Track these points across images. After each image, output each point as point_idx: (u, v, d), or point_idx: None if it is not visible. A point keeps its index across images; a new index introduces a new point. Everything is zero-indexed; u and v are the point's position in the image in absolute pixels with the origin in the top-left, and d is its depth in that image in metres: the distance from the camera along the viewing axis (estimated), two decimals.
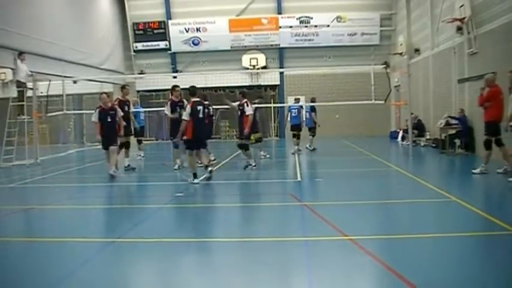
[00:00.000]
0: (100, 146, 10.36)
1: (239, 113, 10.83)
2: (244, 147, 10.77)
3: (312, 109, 15.25)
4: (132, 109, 11.64)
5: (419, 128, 16.54)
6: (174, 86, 10.82)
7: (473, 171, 9.28)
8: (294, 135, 14.75)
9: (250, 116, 10.62)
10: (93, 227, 6.26)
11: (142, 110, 15.87)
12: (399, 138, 18.19)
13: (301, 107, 15.15)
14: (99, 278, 4.09)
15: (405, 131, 16.95)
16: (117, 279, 4.12)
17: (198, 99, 9.05)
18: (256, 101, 13.58)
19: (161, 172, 10.43)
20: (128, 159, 11.33)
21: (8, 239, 5.56)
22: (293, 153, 14.09)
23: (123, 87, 11.72)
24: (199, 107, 8.89)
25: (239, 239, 5.28)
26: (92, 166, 11.58)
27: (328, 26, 22.43)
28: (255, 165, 10.70)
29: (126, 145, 11.15)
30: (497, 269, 4.04)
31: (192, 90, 9.13)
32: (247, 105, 10.71)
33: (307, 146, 15.59)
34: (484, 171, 9.09)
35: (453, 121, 13.36)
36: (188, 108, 8.83)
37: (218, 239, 5.30)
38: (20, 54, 12.68)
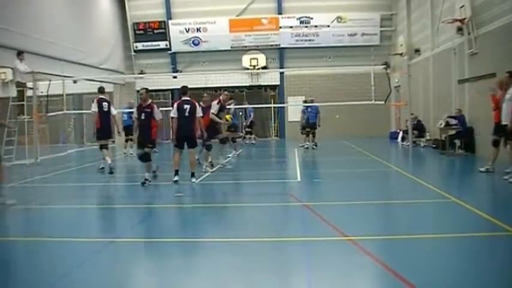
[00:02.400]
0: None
1: (143, 116, 8.96)
2: (147, 158, 9.05)
3: (318, 110, 16.27)
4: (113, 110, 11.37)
5: (419, 128, 16.53)
6: (224, 91, 11.11)
7: (480, 169, 9.29)
8: (308, 133, 16.11)
9: (160, 122, 9.22)
10: (92, 227, 6.27)
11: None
12: (399, 139, 18.17)
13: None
14: (98, 278, 4.09)
15: (405, 132, 16.96)
16: (116, 279, 4.12)
17: (187, 98, 9.25)
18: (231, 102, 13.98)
19: (161, 172, 10.41)
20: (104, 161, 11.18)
21: (8, 238, 5.56)
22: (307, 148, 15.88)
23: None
24: (186, 106, 9.11)
25: (239, 239, 5.28)
26: (92, 166, 11.58)
27: (329, 26, 22.42)
28: (150, 181, 9.03)
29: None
30: (497, 270, 4.04)
31: (184, 90, 9.35)
32: (157, 108, 9.25)
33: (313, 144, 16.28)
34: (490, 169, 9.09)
35: (453, 121, 13.35)
36: (174, 106, 9.26)
37: (218, 239, 5.29)
38: (19, 53, 12.66)
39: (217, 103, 10.76)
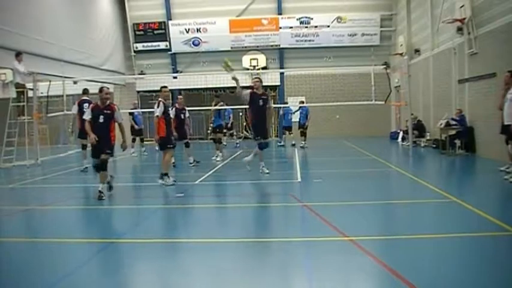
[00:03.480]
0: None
1: (101, 119, 7.80)
2: (103, 167, 7.86)
3: (308, 111, 16.80)
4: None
5: (419, 128, 16.53)
6: (256, 78, 10.70)
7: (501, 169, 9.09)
8: (301, 133, 16.70)
9: (122, 124, 8.26)
10: (92, 228, 6.26)
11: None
12: (399, 139, 18.18)
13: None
14: (98, 279, 4.09)
15: (405, 132, 16.96)
16: (117, 279, 4.12)
17: (160, 99, 9.20)
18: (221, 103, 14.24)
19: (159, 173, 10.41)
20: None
21: (8, 239, 5.56)
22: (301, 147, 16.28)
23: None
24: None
25: (239, 240, 5.27)
26: (92, 166, 11.58)
27: (329, 26, 22.45)
28: (104, 194, 7.75)
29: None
30: (497, 270, 4.04)
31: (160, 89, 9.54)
32: (119, 110, 8.21)
33: (303, 144, 16.59)
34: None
35: (453, 121, 13.35)
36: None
37: (218, 240, 5.28)
38: (18, 54, 12.65)
39: (249, 92, 10.44)
